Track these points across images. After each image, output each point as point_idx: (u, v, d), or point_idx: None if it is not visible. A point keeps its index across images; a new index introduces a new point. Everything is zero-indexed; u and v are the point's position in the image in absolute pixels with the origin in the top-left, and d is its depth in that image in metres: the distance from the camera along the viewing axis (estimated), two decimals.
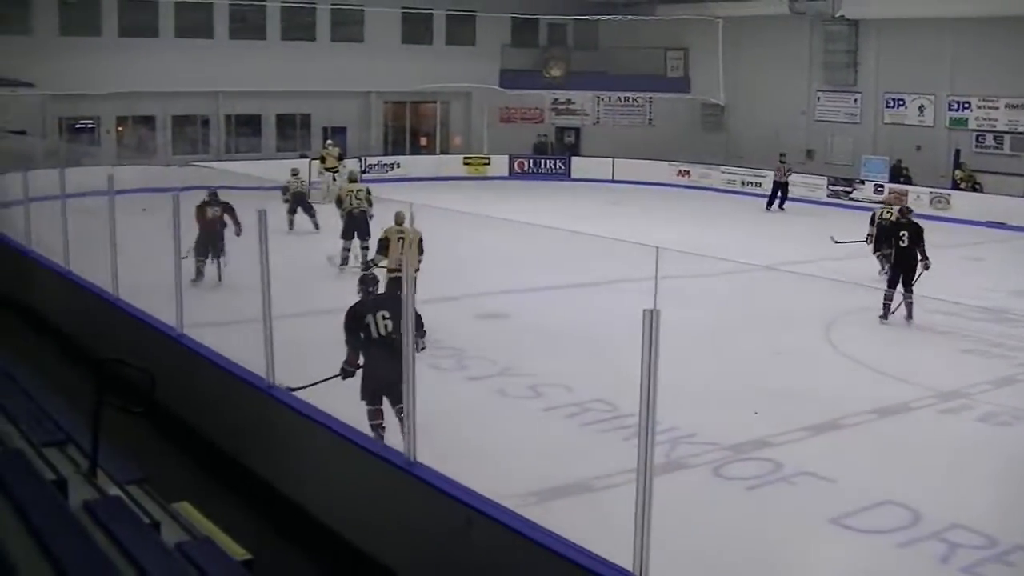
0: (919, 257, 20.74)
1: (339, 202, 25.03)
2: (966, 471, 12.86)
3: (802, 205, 39.08)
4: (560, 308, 21.01)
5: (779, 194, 37.93)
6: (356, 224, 24.17)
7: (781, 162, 39.41)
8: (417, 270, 12.40)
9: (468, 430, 13.32)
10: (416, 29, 45.61)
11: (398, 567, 10.09)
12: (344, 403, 12.29)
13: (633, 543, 7.89)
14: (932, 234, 29.35)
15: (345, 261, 23.83)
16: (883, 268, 22.79)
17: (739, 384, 15.79)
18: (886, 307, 20.58)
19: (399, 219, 18.29)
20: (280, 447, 12.25)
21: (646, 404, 7.64)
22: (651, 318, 7.50)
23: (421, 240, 16.71)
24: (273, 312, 12.58)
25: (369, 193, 24.80)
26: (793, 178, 39.17)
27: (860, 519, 10.98)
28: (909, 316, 20.46)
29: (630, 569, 7.93)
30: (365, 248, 23.29)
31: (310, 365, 14.83)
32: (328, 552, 10.78)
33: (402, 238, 17.77)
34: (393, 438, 10.97)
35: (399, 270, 15.52)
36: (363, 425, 11.32)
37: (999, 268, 27.72)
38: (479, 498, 9.50)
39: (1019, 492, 12.11)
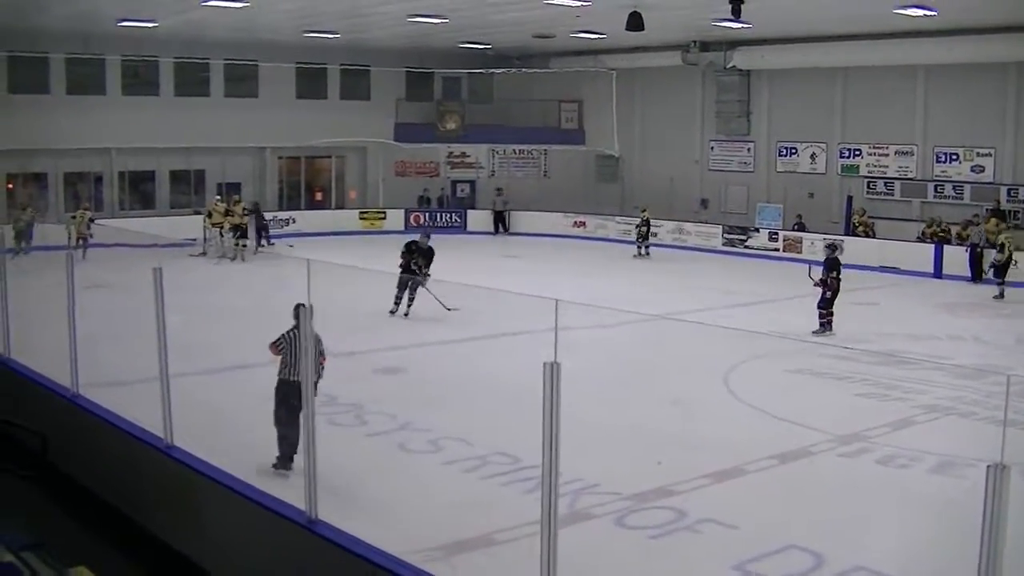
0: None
1: (232, 215, 35.96)
2: (867, 514, 12.93)
3: (698, 254, 39.44)
4: (458, 361, 20.97)
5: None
6: (243, 229, 35.72)
7: (497, 195, 46.29)
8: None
9: (369, 486, 13.20)
10: (311, 84, 45.47)
11: None
12: (243, 462, 12.16)
13: None
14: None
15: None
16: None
17: (641, 434, 15.80)
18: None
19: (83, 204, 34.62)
20: (179, 507, 12.08)
21: (549, 456, 7.62)
22: (552, 371, 7.48)
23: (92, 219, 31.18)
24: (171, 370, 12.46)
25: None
26: (687, 227, 40.18)
27: (764, 565, 10.99)
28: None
29: None
30: (243, 246, 35.41)
31: (213, 426, 14.69)
32: None
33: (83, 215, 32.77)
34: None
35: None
36: (264, 482, 11.16)
37: (893, 312, 28.06)
38: (383, 555, 9.41)
39: (919, 533, 12.18)
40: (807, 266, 25.55)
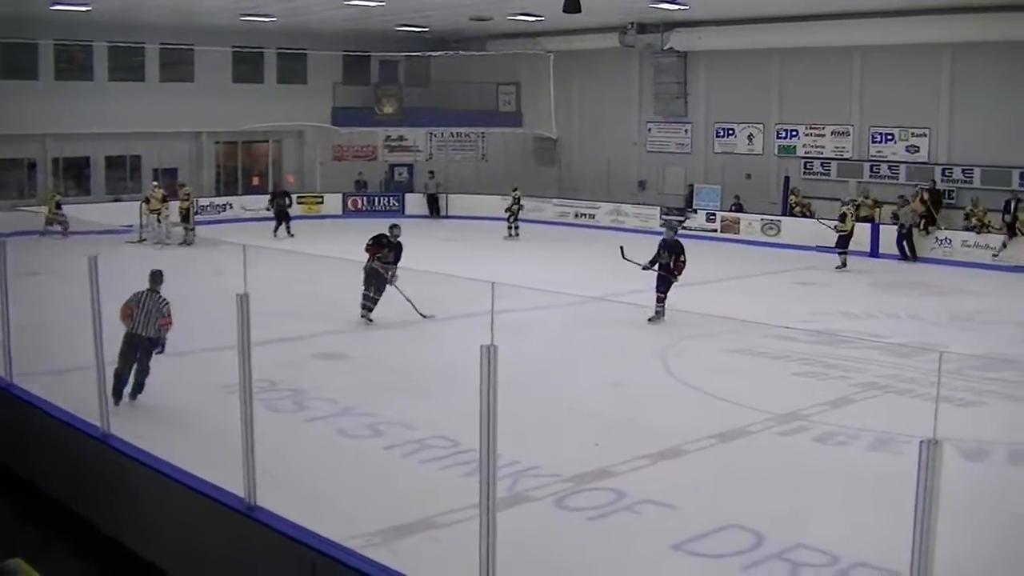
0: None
1: (166, 199, 36.02)
2: (806, 491, 13.02)
3: (636, 236, 39.49)
4: (399, 346, 20.96)
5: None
6: (187, 215, 35.57)
7: (430, 178, 46.69)
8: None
9: (309, 472, 13.16)
10: (247, 68, 45.15)
11: None
12: (182, 447, 12.10)
13: None
14: (765, 260, 30.02)
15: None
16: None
17: (580, 415, 15.83)
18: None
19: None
20: (117, 496, 12.00)
21: (486, 439, 7.63)
22: (489, 354, 7.49)
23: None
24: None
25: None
26: (625, 208, 40.91)
27: (703, 544, 11.04)
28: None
29: None
30: (191, 229, 35.24)
31: (151, 412, 14.64)
32: None
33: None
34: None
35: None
36: (202, 469, 11.10)
37: (830, 291, 28.25)
38: (323, 540, 9.39)
39: (859, 509, 12.27)
40: (620, 248, 24.32)
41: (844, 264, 32.20)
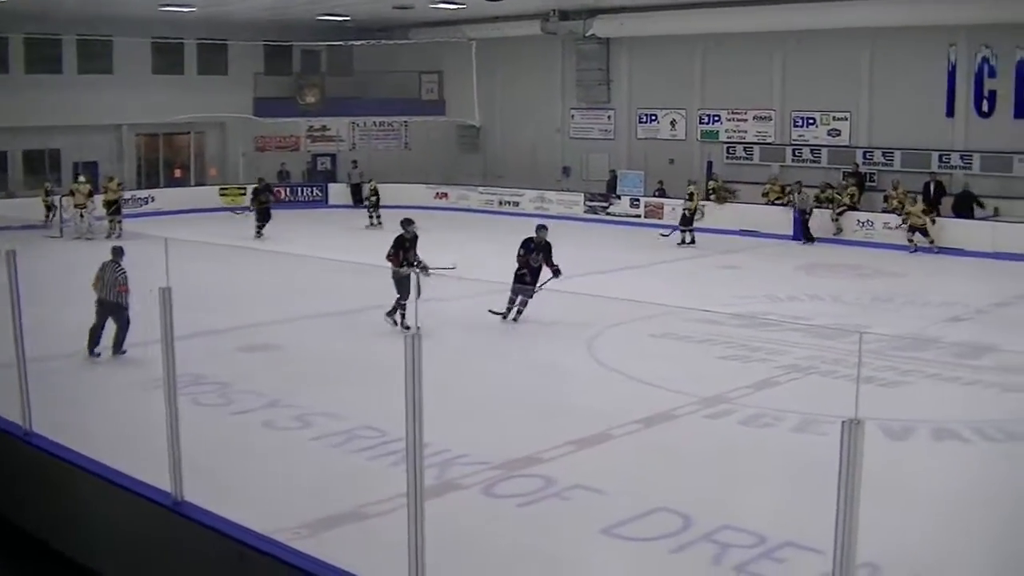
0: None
1: (106, 191, 35.62)
2: (733, 473, 13.13)
3: (560, 222, 39.55)
4: (324, 337, 20.85)
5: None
6: (117, 208, 35.21)
7: (353, 167, 46.72)
8: None
9: (236, 465, 13.09)
10: (167, 59, 44.59)
11: None
12: (106, 444, 11.99)
13: (408, 568, 7.84)
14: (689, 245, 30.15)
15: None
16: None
17: (507, 402, 15.85)
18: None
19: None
20: (41, 495, 11.87)
21: (412, 427, 7.61)
22: (413, 341, 7.48)
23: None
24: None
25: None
26: (549, 195, 41.07)
27: (632, 528, 11.08)
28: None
29: None
30: (119, 222, 34.80)
31: (76, 409, 14.47)
32: None
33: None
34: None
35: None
36: (127, 465, 11.01)
37: (754, 275, 28.43)
38: (250, 533, 9.35)
39: (784, 490, 12.38)
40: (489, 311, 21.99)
41: (684, 241, 33.89)
